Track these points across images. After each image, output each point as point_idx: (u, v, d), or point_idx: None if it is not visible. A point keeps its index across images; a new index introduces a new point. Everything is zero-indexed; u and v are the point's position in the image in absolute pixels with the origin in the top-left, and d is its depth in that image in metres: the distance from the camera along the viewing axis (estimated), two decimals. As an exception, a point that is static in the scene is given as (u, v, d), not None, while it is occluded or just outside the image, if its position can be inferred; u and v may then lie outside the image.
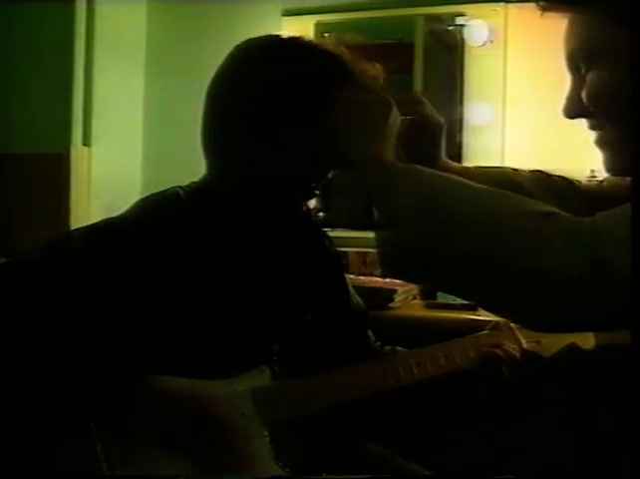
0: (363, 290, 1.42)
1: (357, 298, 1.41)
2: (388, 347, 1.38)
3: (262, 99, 1.14)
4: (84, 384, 1.05)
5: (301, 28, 2.55)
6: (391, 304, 1.93)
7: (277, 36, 1.23)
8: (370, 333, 1.40)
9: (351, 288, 1.40)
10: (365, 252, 2.43)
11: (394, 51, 2.65)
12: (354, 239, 2.52)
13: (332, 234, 2.49)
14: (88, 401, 1.05)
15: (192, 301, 1.11)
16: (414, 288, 2.07)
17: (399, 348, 1.36)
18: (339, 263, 1.41)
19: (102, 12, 2.50)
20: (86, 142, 2.47)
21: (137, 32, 2.73)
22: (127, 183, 2.60)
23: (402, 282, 2.12)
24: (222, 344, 1.11)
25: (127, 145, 2.66)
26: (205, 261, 1.13)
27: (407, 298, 2.04)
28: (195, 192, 1.20)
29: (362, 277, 2.22)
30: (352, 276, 2.23)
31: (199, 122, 1.20)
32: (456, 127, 2.49)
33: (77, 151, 2.43)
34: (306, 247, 1.31)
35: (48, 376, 1.04)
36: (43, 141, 2.42)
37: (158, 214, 1.16)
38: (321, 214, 2.63)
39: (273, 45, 1.19)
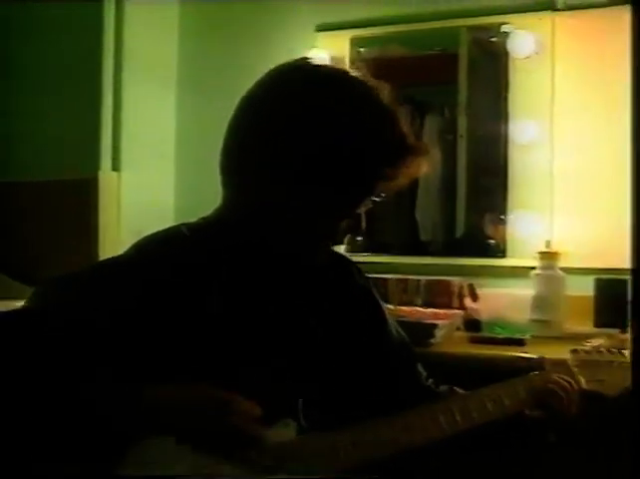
0: (400, 326, 1.30)
1: (398, 331, 1.29)
2: (444, 387, 1.27)
3: (298, 140, 1.05)
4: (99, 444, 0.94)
5: (336, 43, 2.45)
6: (431, 340, 1.79)
7: (322, 68, 1.14)
8: (420, 369, 1.28)
9: (391, 320, 1.29)
10: (406, 279, 2.30)
11: (437, 62, 2.55)
12: (393, 266, 2.40)
13: (369, 259, 2.44)
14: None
15: (202, 351, 1.02)
16: (456, 319, 1.93)
17: (456, 389, 1.25)
18: (370, 296, 1.29)
19: (131, 31, 2.44)
20: (115, 167, 2.41)
21: (168, 51, 2.67)
22: (159, 208, 2.52)
23: (444, 314, 1.99)
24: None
25: (158, 169, 2.58)
26: (216, 305, 1.05)
27: (449, 332, 1.90)
28: (203, 228, 1.13)
29: (402, 308, 2.09)
30: (390, 307, 2.11)
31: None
32: (500, 143, 2.35)
33: (105, 176, 2.37)
34: (329, 284, 1.21)
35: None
36: (72, 167, 2.36)
37: (158, 255, 1.07)
38: (358, 237, 2.52)
39: (318, 83, 1.10)
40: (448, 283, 2.24)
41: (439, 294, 2.24)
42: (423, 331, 1.77)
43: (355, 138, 1.05)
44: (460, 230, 2.47)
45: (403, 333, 1.30)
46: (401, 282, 2.30)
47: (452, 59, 2.48)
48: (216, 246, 1.09)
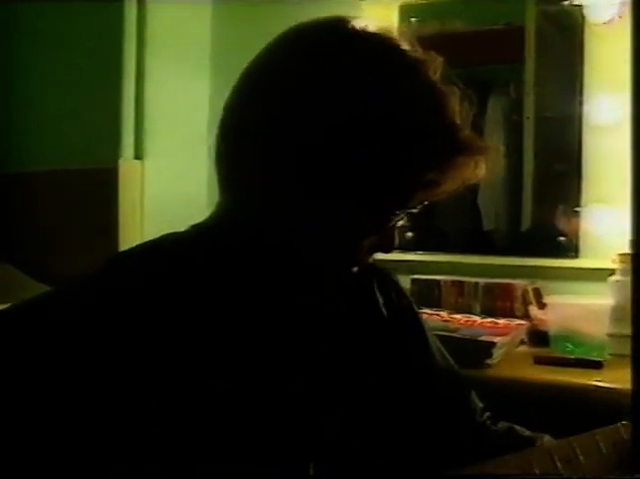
0: (450, 344, 1.06)
1: (445, 356, 1.05)
2: (503, 425, 1.03)
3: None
4: None
5: (383, 13, 2.16)
6: (488, 361, 1.49)
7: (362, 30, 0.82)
8: (475, 401, 1.04)
9: (435, 344, 1.04)
10: (461, 282, 2.01)
11: (500, 38, 2.29)
12: (449, 265, 2.12)
13: (422, 257, 2.17)
14: None
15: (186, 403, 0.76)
16: (519, 333, 1.63)
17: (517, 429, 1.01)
18: (410, 317, 1.04)
19: (155, 12, 2.20)
20: (138, 155, 2.18)
21: (200, 34, 2.41)
22: (189, 201, 2.27)
23: (504, 326, 1.69)
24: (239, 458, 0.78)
25: (189, 158, 2.33)
26: (204, 337, 0.78)
27: (510, 348, 1.60)
28: (191, 238, 0.86)
29: (456, 316, 1.80)
30: (443, 314, 1.83)
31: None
32: (574, 125, 2.04)
33: (126, 164, 2.14)
34: (359, 305, 0.95)
35: None
36: (92, 155, 2.15)
37: (133, 280, 0.80)
38: (409, 233, 2.25)
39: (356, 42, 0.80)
40: (510, 287, 1.94)
41: (500, 299, 1.95)
42: (478, 351, 1.49)
43: (387, 127, 0.77)
44: (526, 223, 2.19)
45: (450, 360, 1.05)
46: (456, 285, 2.01)
47: (517, 32, 2.21)
48: (208, 268, 0.83)
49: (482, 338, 1.51)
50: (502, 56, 2.28)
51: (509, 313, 1.89)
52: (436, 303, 1.99)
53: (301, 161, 0.77)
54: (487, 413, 1.04)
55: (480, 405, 1.04)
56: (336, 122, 0.76)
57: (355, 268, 0.88)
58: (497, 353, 1.50)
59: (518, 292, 1.92)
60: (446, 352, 1.05)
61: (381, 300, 0.98)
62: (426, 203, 0.85)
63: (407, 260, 2.14)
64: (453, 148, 0.79)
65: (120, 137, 2.16)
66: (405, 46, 0.81)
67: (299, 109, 0.78)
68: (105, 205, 2.11)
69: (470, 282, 1.98)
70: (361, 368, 0.91)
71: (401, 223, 0.86)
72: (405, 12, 2.20)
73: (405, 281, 2.07)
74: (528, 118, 2.17)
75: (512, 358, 1.58)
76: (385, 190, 0.79)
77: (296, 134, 0.77)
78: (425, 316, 1.79)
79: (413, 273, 2.07)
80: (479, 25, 2.26)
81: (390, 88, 0.78)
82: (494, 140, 2.40)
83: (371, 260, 1.00)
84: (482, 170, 0.83)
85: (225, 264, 0.83)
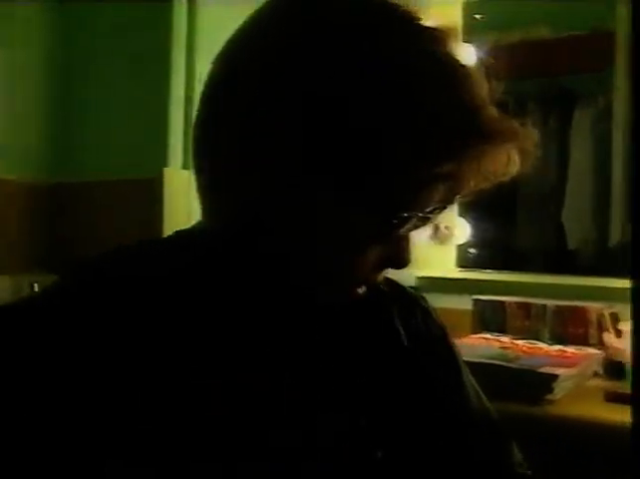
0: (505, 376, 0.88)
1: (480, 397, 0.87)
2: None
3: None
4: None
5: (446, 10, 1.99)
6: (548, 396, 1.29)
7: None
8: (513, 452, 0.86)
9: (470, 382, 0.87)
10: (528, 304, 1.81)
11: (585, 44, 2.17)
12: (512, 285, 1.92)
13: (484, 276, 1.99)
14: None
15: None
16: (590, 364, 1.42)
17: None
18: (441, 349, 0.88)
19: (205, 16, 2.11)
20: (186, 165, 2.09)
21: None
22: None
23: (573, 356, 1.49)
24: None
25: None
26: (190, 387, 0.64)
27: (578, 382, 1.39)
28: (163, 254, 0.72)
29: (519, 343, 1.61)
30: (504, 340, 1.65)
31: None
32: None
33: (172, 174, 2.05)
34: (358, 342, 0.78)
35: None
36: (139, 165, 2.07)
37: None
38: (471, 250, 2.06)
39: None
40: (583, 311, 1.73)
41: (571, 325, 1.75)
42: (537, 384, 1.29)
43: (385, 104, 0.61)
44: (613, 241, 2.00)
45: (486, 402, 0.88)
46: (522, 307, 1.81)
47: (605, 38, 2.06)
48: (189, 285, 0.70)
49: (543, 370, 1.31)
50: (589, 64, 2.16)
51: (582, 341, 1.68)
52: (500, 327, 1.80)
53: (281, 146, 0.63)
54: (525, 467, 0.85)
55: (519, 456, 0.86)
56: (327, 93, 0.61)
57: (361, 289, 0.72)
58: (560, 388, 1.30)
59: (593, 317, 1.71)
60: (479, 389, 0.88)
61: (401, 329, 0.82)
62: (447, 205, 0.69)
63: (470, 279, 1.97)
64: (468, 132, 0.61)
65: (167, 146, 2.07)
66: (412, 14, 0.66)
67: (280, 84, 0.63)
68: (151, 214, 2.03)
69: (537, 305, 1.78)
70: (368, 411, 0.75)
71: (417, 231, 0.70)
72: (469, 9, 2.03)
73: (466, 303, 1.90)
74: (618, 126, 2.03)
75: (580, 393, 1.37)
76: (385, 184, 0.63)
77: (274, 113, 0.62)
78: (482, 342, 1.63)
79: (479, 293, 1.89)
80: (554, 30, 2.09)
81: (387, 58, 0.62)
82: (580, 152, 2.23)
83: (391, 280, 0.85)
84: (516, 163, 0.66)
85: (192, 292, 0.69)
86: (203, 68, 2.01)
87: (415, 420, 0.78)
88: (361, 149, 0.61)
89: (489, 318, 1.83)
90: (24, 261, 2.14)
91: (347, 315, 0.75)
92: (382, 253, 0.68)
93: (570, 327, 1.74)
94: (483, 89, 0.65)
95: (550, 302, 1.78)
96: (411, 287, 0.91)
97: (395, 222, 0.65)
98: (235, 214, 0.67)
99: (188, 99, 2.09)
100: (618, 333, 1.65)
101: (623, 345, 1.55)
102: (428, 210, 0.66)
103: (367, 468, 0.73)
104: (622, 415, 1.24)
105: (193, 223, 0.76)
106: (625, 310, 1.73)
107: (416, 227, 0.68)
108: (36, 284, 1.96)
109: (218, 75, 0.68)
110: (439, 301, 1.94)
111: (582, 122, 2.16)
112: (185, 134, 2.09)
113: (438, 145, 0.61)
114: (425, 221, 0.68)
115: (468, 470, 0.82)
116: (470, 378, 0.88)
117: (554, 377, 1.29)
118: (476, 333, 1.74)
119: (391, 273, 0.75)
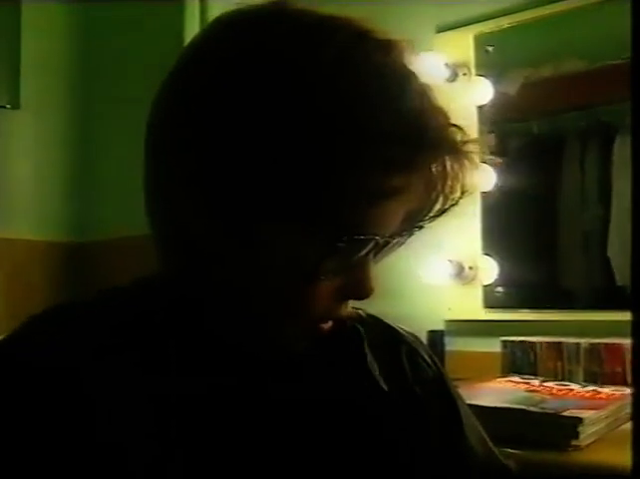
0: (526, 421, 0.92)
1: (486, 444, 0.79)
2: None
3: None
4: None
5: (458, 42, 1.95)
6: (574, 442, 1.18)
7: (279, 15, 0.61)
8: None
9: (473, 429, 0.78)
10: (559, 343, 1.70)
11: (619, 73, 2.05)
12: (544, 325, 1.81)
13: (514, 316, 1.88)
14: None
15: None
16: (624, 406, 1.31)
17: None
18: (440, 392, 0.79)
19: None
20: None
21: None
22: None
23: (603, 400, 1.37)
24: None
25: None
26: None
27: (610, 425, 1.27)
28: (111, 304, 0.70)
29: (548, 385, 1.49)
30: (534, 382, 1.53)
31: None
32: None
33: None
34: (319, 386, 0.70)
35: None
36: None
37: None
38: (499, 289, 1.96)
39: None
40: (618, 349, 1.61)
41: (607, 363, 1.63)
42: (561, 429, 1.18)
43: (328, 121, 0.56)
44: None
45: (494, 449, 0.79)
46: (553, 347, 1.70)
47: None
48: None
49: (567, 413, 1.20)
50: (626, 93, 2.05)
51: (619, 380, 1.56)
52: (531, 369, 1.69)
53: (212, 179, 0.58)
54: None
55: None
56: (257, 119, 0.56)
57: (326, 324, 0.65)
58: (587, 432, 1.19)
59: (629, 355, 1.59)
60: (485, 435, 0.79)
61: (377, 370, 0.74)
62: (412, 228, 0.63)
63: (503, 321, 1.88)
64: (413, 142, 0.56)
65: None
66: (358, 27, 0.61)
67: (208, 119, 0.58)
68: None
69: (569, 344, 1.67)
70: (339, 466, 0.67)
71: (378, 257, 0.63)
72: (480, 41, 1.97)
73: (495, 344, 1.80)
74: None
75: (614, 438, 1.25)
76: (326, 203, 0.56)
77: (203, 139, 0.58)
78: (508, 385, 1.52)
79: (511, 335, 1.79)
80: (578, 60, 2.00)
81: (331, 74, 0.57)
82: (623, 183, 2.13)
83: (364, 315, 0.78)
84: (475, 175, 0.60)
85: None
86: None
87: (389, 467, 0.70)
88: (294, 170, 0.56)
89: (520, 361, 1.73)
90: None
91: (312, 357, 0.68)
92: (339, 284, 0.62)
93: (606, 366, 1.62)
94: (432, 99, 0.59)
95: (583, 341, 1.67)
96: (435, 331, 0.84)
97: (344, 245, 0.58)
98: (175, 265, 0.66)
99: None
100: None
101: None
102: (388, 234, 0.61)
103: None
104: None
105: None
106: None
107: (377, 253, 0.62)
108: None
109: (154, 119, 0.65)
110: (467, 345, 1.87)
111: (623, 152, 2.03)
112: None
113: (380, 157, 0.56)
114: (388, 246, 0.62)
115: None
116: (474, 424, 0.79)
117: (579, 421, 1.17)
118: (504, 376, 1.64)
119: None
